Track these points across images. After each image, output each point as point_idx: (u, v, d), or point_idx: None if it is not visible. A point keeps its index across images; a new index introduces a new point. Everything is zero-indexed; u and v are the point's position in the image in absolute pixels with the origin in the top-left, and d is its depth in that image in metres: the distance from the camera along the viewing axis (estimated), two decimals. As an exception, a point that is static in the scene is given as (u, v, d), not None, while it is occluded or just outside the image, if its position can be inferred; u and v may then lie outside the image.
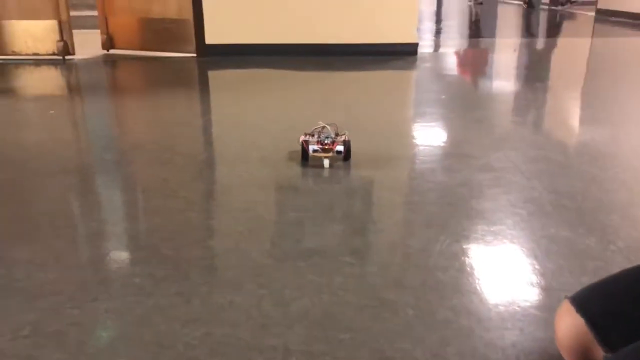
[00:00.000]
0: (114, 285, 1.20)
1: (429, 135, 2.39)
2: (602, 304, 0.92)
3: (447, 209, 1.60)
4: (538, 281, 1.22)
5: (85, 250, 1.39)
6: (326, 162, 1.93)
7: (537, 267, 1.27)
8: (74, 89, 3.64)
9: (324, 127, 2.00)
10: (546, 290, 1.19)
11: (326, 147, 1.94)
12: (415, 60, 4.34)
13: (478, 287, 1.19)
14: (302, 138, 1.99)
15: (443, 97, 3.16)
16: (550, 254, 1.33)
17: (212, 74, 4.08)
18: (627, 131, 2.43)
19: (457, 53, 5.04)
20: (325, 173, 1.91)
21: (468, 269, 1.27)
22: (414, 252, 1.35)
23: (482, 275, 1.24)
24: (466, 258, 1.31)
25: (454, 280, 1.22)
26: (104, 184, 1.86)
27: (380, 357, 0.97)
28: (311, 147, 1.95)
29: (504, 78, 3.97)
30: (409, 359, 0.96)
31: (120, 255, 1.35)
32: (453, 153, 2.13)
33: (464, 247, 1.37)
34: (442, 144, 2.27)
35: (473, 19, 8.54)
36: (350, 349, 0.99)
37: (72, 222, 1.55)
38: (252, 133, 2.39)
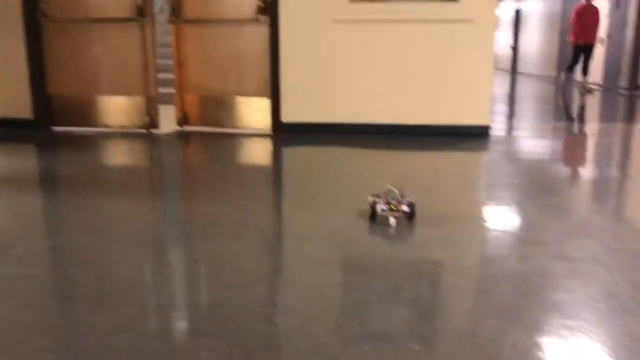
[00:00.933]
0: (180, 358, 1.22)
1: (500, 220, 2.34)
2: None
3: (520, 299, 1.54)
4: (621, 385, 1.13)
5: (156, 321, 1.42)
6: (392, 221, 2.14)
7: (619, 368, 1.19)
8: (155, 161, 3.86)
9: (390, 190, 2.25)
10: (630, 395, 1.10)
11: (393, 207, 2.18)
12: (487, 142, 4.32)
13: (554, 387, 1.12)
14: (370, 199, 2.22)
15: (516, 181, 3.11)
16: (632, 355, 1.24)
17: (285, 151, 4.22)
18: None
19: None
20: (393, 240, 1.89)
21: (543, 365, 1.20)
22: (484, 342, 1.30)
23: (558, 373, 1.18)
24: (540, 353, 1.25)
25: (528, 376, 1.16)
26: (178, 256, 1.93)
27: None
28: (379, 207, 2.19)
29: (580, 163, 3.87)
30: None
31: (188, 328, 1.37)
32: (526, 240, 2.07)
33: (537, 341, 1.30)
34: (515, 230, 2.21)
35: (549, 101, 8.47)
36: None
37: (145, 292, 1.61)
38: (323, 209, 2.42)
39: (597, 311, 1.46)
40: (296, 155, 4.01)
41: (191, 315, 1.45)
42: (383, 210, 2.18)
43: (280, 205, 2.65)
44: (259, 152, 4.12)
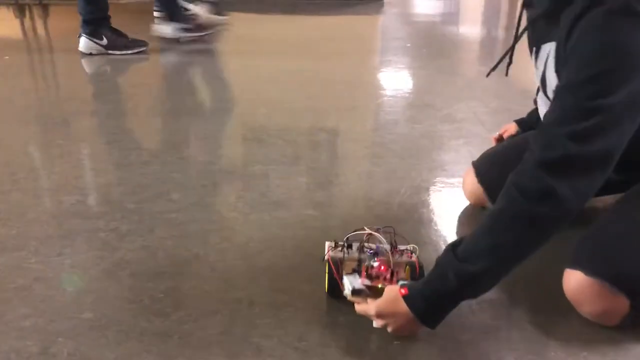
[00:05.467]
0: (78, 240, 1.21)
1: (393, 85, 2.40)
2: (492, 169, 1.29)
3: (409, 161, 1.63)
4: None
5: (48, 205, 1.38)
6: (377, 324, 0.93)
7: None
8: (29, 35, 3.49)
9: (369, 235, 1.03)
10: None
11: (378, 280, 0.96)
12: (382, 5, 4.29)
13: (434, 238, 1.24)
14: (328, 250, 1.03)
15: (408, 45, 3.15)
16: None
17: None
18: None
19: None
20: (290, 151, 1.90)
21: (426, 220, 1.31)
22: (374, 204, 1.39)
23: (439, 226, 1.29)
24: (423, 209, 1.36)
25: (414, 231, 1.26)
26: (66, 135, 1.83)
27: (336, 306, 1.00)
28: (348, 283, 0.96)
29: (473, 24, 3.96)
30: (367, 309, 1.01)
31: (83, 210, 1.34)
32: (416, 104, 2.15)
33: (422, 198, 1.41)
34: (406, 94, 2.29)
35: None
36: (311, 299, 1.03)
37: (34, 174, 1.53)
38: (217, 82, 2.36)
39: (477, 168, 1.58)
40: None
41: (85, 197, 1.41)
42: (357, 291, 0.95)
43: (172, 81, 2.54)
44: (140, 25, 3.82)
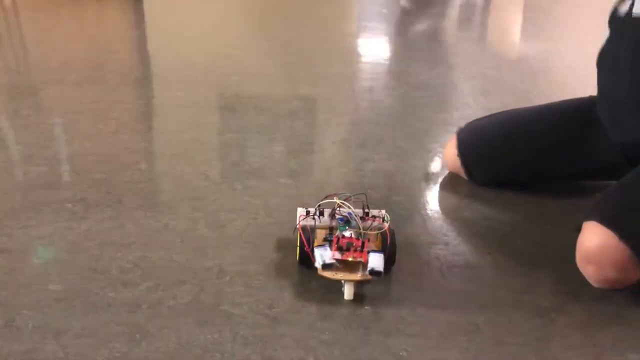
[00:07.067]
0: (44, 211, 1.18)
1: (368, 52, 2.37)
2: (474, 147, 1.28)
3: (383, 128, 1.62)
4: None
5: (13, 176, 1.34)
6: (348, 292, 0.93)
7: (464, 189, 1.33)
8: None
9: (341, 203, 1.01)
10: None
11: (348, 253, 0.94)
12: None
13: (407, 205, 1.23)
14: (300, 218, 1.02)
15: (385, 11, 3.11)
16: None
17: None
18: (561, 48, 2.49)
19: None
20: (266, 102, 1.87)
21: (398, 187, 1.31)
22: (348, 171, 1.38)
23: (411, 192, 1.29)
24: (398, 176, 1.35)
25: (387, 197, 1.26)
26: (30, 105, 1.77)
27: (308, 272, 1.00)
28: (320, 255, 0.94)
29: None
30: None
31: (50, 181, 1.31)
32: (391, 70, 2.13)
33: (396, 165, 1.40)
34: (381, 61, 2.26)
35: None
36: (282, 267, 1.02)
37: (-3, 146, 1.49)
38: (188, 49, 2.30)
39: (451, 134, 1.58)
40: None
41: (51, 168, 1.37)
42: (327, 265, 0.92)
43: (142, 46, 2.48)
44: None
